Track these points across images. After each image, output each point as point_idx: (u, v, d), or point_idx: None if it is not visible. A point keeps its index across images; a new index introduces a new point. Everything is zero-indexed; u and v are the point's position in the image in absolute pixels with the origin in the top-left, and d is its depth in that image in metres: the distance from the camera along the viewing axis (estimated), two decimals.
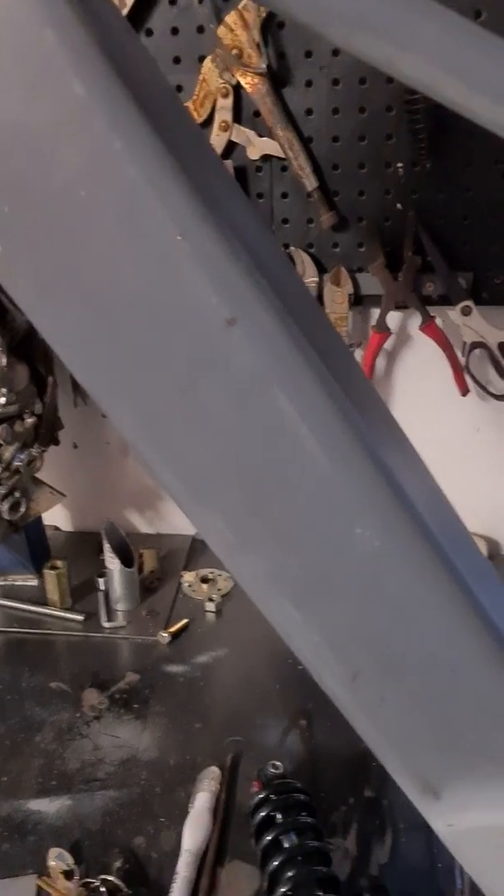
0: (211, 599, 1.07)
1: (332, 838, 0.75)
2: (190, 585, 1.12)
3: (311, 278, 1.01)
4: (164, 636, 1.01)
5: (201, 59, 0.95)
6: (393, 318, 1.05)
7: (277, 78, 0.95)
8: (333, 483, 0.45)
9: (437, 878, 0.72)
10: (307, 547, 0.48)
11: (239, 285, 0.42)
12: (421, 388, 1.11)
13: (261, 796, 0.73)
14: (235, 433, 0.45)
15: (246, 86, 0.94)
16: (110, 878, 0.70)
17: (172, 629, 1.02)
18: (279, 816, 0.71)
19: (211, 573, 1.13)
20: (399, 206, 0.99)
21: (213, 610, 1.07)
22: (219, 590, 1.10)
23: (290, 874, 0.66)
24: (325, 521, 0.47)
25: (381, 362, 1.10)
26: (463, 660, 0.50)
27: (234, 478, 0.46)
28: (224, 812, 0.78)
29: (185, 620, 1.04)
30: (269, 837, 0.69)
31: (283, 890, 0.65)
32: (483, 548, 1.15)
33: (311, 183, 0.97)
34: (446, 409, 1.11)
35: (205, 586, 1.11)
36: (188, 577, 1.13)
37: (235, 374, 0.43)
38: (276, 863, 0.67)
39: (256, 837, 0.71)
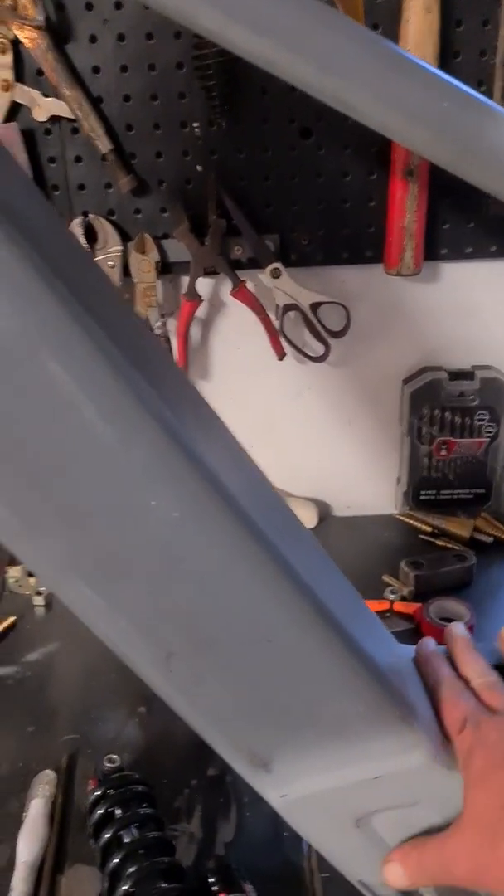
0: (39, 593, 1.01)
1: (177, 824, 0.73)
2: (16, 581, 1.05)
3: (114, 247, 0.97)
4: None
5: None
6: (204, 285, 1.02)
7: (59, 32, 0.88)
8: (120, 454, 0.42)
9: (284, 848, 0.71)
10: (100, 525, 0.44)
11: None
12: (239, 355, 1.09)
13: (97, 793, 0.69)
14: (3, 408, 0.40)
15: (25, 40, 0.87)
16: None
17: None
18: (118, 811, 0.67)
19: None
20: (199, 167, 0.96)
21: (42, 604, 1.01)
22: None
23: (131, 870, 0.63)
24: (116, 496, 0.43)
25: (196, 331, 1.07)
26: (278, 628, 0.48)
27: (9, 457, 0.41)
28: (62, 816, 0.73)
29: (11, 618, 0.98)
30: (107, 835, 0.66)
31: (124, 888, 0.62)
32: (313, 511, 1.15)
33: (104, 145, 0.92)
34: (267, 375, 1.10)
35: (31, 580, 1.05)
36: (13, 571, 1.06)
37: None
38: (115, 860, 0.64)
39: (95, 836, 0.67)
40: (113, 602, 0.46)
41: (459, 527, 1.10)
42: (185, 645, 0.48)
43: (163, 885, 0.62)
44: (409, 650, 0.68)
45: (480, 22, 0.91)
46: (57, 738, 0.82)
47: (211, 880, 0.64)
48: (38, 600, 1.01)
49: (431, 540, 1.10)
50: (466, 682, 0.56)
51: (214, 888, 0.63)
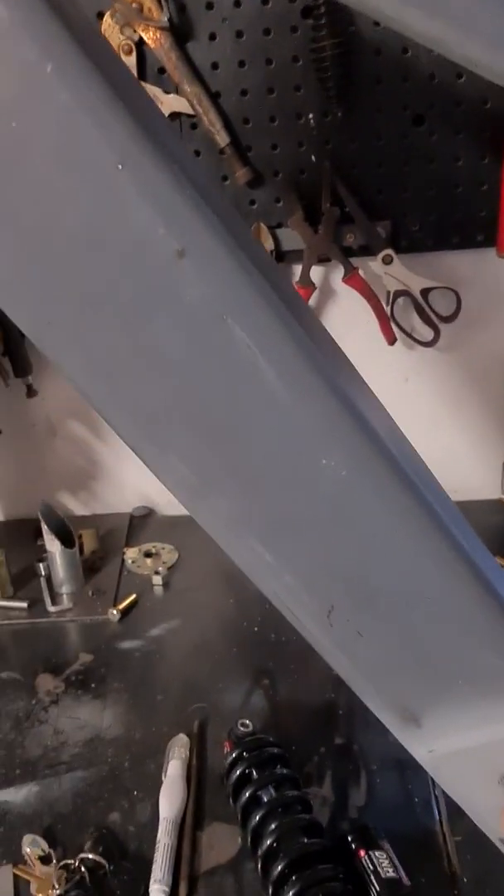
0: (157, 573, 1.05)
1: (309, 788, 0.75)
2: (134, 561, 1.09)
3: None
4: (115, 614, 0.99)
5: (100, 15, 0.91)
6: (316, 273, 1.05)
7: (180, 32, 0.92)
8: (295, 415, 0.44)
9: (416, 813, 0.73)
10: (272, 483, 0.47)
11: (186, 215, 0.41)
12: (348, 340, 1.09)
13: (234, 755, 0.72)
14: (191, 369, 0.43)
15: (149, 41, 0.91)
16: (89, 856, 0.68)
17: (121, 606, 1.00)
18: (255, 773, 0.70)
19: (153, 547, 1.12)
20: (313, 157, 0.98)
21: (160, 583, 1.05)
22: (164, 563, 1.08)
23: (272, 826, 0.66)
24: (289, 455, 0.46)
25: None
26: (437, 586, 0.50)
27: (192, 417, 0.45)
28: (198, 777, 0.77)
29: (133, 596, 1.02)
30: (247, 794, 0.69)
31: (268, 842, 0.65)
32: None
33: (222, 139, 0.95)
34: (375, 360, 1.11)
35: (149, 560, 1.09)
36: (131, 553, 1.11)
37: (188, 308, 0.42)
38: (257, 817, 0.67)
39: (234, 796, 0.70)
40: (282, 558, 0.49)
41: None
42: (347, 600, 0.50)
43: (305, 840, 0.65)
44: None
45: None
46: (185, 707, 0.85)
47: (349, 838, 0.66)
48: (157, 580, 1.05)
49: None
50: None
51: (353, 845, 0.66)
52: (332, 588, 0.50)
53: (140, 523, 1.19)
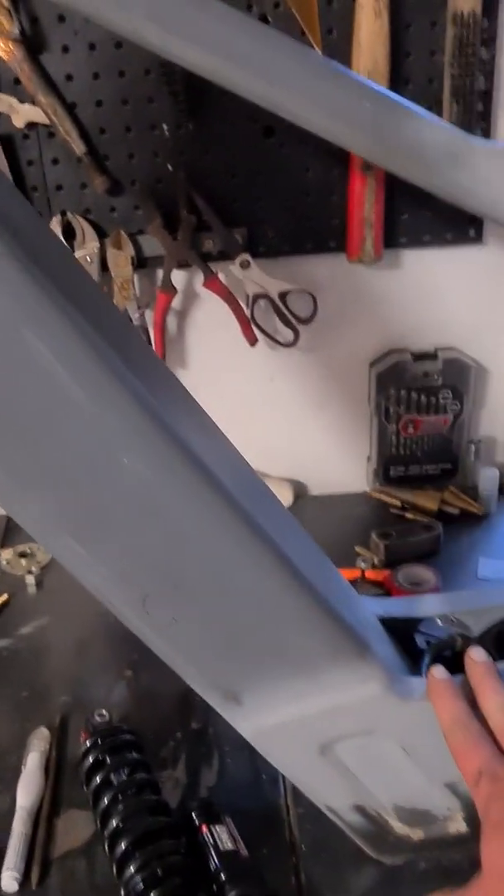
0: (30, 573, 1.07)
1: (163, 771, 0.79)
2: (8, 562, 1.11)
3: (91, 243, 1.03)
4: None
5: None
6: (178, 277, 1.08)
7: (33, 43, 0.94)
8: (94, 417, 0.48)
9: (263, 790, 0.77)
10: (80, 482, 0.50)
11: None
12: (214, 343, 1.15)
13: (88, 743, 0.75)
14: None
15: (1, 52, 0.93)
16: None
17: None
18: (107, 758, 0.74)
19: (28, 548, 1.13)
20: (169, 167, 1.02)
21: (34, 583, 1.07)
22: (38, 562, 1.10)
23: (120, 807, 0.69)
24: (92, 456, 0.49)
25: (172, 321, 1.13)
26: (243, 572, 0.54)
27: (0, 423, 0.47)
28: (56, 767, 0.79)
29: (5, 596, 1.04)
30: (98, 778, 0.72)
31: (114, 822, 0.68)
32: (289, 490, 1.22)
33: (79, 148, 0.98)
34: (241, 361, 1.16)
35: (23, 561, 1.11)
36: (5, 554, 1.12)
37: None
38: (106, 800, 0.70)
39: (87, 781, 0.73)
40: (94, 552, 0.52)
41: (427, 500, 1.16)
42: (159, 589, 0.54)
43: (150, 819, 0.68)
44: (373, 601, 0.74)
45: (429, 23, 0.97)
46: (50, 702, 0.88)
47: (194, 815, 0.70)
48: (30, 579, 1.07)
49: (401, 513, 1.17)
50: (485, 719, 0.54)
51: (196, 822, 0.69)
52: (145, 578, 0.54)
53: (15, 524, 1.20)
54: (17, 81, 0.96)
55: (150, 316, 1.09)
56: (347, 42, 0.95)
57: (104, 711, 0.79)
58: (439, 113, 1.00)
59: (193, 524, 0.52)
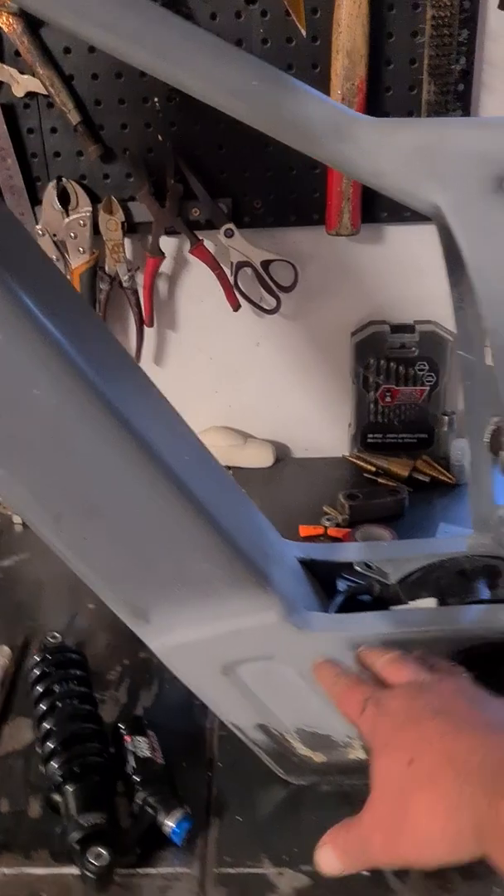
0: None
1: (106, 691, 0.87)
2: (1, 503, 1.20)
3: (84, 208, 1.10)
4: None
5: None
6: (168, 244, 1.15)
7: (33, 17, 1.01)
8: (6, 352, 0.55)
9: (194, 714, 0.84)
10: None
11: None
12: (202, 308, 1.21)
13: (38, 658, 0.83)
14: None
15: (2, 25, 1.00)
16: None
17: None
18: (53, 672, 0.81)
19: None
20: (160, 137, 1.08)
21: (20, 522, 1.15)
22: None
23: (55, 712, 0.77)
24: (7, 388, 0.56)
25: (164, 286, 1.20)
26: (145, 499, 0.61)
27: None
28: (12, 682, 0.88)
29: None
30: (41, 687, 0.80)
31: (47, 725, 0.76)
32: (270, 451, 1.28)
33: (74, 118, 1.05)
34: (229, 325, 1.21)
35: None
36: None
37: None
38: (44, 705, 0.78)
39: (32, 690, 0.81)
40: (12, 472, 0.59)
41: (399, 467, 1.21)
42: (71, 509, 0.61)
43: (79, 725, 0.76)
44: (295, 545, 0.80)
45: (411, 5, 1.01)
46: (17, 625, 0.96)
47: (121, 726, 0.78)
48: (17, 519, 1.16)
49: (374, 478, 1.22)
50: (370, 669, 0.62)
51: (122, 732, 0.77)
52: (57, 499, 0.61)
53: None
54: (17, 54, 1.03)
55: (140, 279, 1.16)
56: (330, 22, 1.00)
57: (57, 634, 0.87)
58: (419, 93, 1.04)
59: (98, 453, 0.59)
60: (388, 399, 1.23)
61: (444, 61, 1.01)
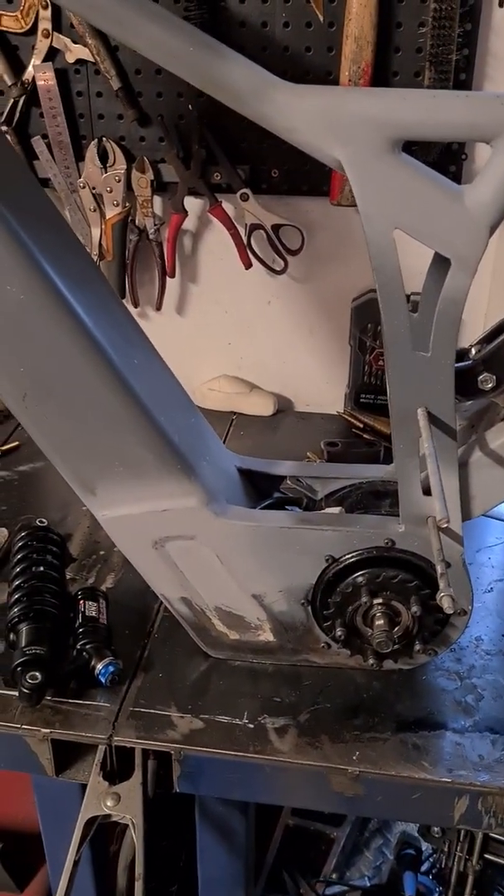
0: None
1: (79, 573, 1.02)
2: None
3: (120, 166, 1.24)
4: None
5: None
6: (193, 204, 1.29)
7: None
8: None
9: (146, 597, 0.98)
10: None
11: None
12: (222, 265, 1.34)
13: (23, 533, 0.99)
14: None
15: None
16: None
17: (4, 448, 1.27)
18: (32, 544, 0.97)
19: None
20: (190, 107, 1.21)
21: None
22: None
23: (26, 575, 0.92)
24: None
25: (188, 243, 1.33)
26: (91, 386, 0.75)
27: None
28: (3, 556, 1.04)
29: (16, 443, 1.30)
30: (19, 556, 0.95)
31: (17, 582, 0.91)
32: (271, 401, 1.40)
33: (115, 84, 1.19)
34: (242, 283, 1.34)
35: None
36: None
37: None
38: (18, 569, 0.93)
39: (12, 559, 0.97)
40: None
41: (384, 425, 1.32)
42: (34, 390, 0.76)
43: (43, 584, 0.91)
44: (236, 456, 0.93)
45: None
46: (18, 516, 1.12)
47: (79, 593, 0.92)
48: None
49: (361, 434, 1.33)
50: None
51: (78, 597, 0.92)
52: (24, 380, 0.75)
53: None
54: (71, 25, 1.18)
55: (165, 233, 1.30)
56: (344, 10, 1.11)
57: (44, 519, 1.02)
58: (422, 78, 1.14)
59: (55, 344, 0.73)
60: (381, 362, 1.33)
61: (443, 51, 1.11)
